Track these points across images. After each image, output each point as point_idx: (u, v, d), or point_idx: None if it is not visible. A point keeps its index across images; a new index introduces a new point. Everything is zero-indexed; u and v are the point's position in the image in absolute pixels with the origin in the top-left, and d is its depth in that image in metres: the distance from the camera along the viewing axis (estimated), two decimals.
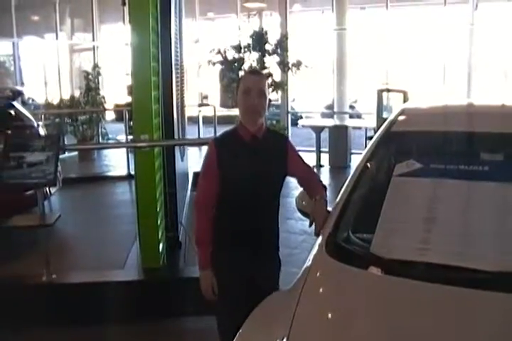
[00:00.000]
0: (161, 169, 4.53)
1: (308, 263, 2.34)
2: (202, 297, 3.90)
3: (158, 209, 4.47)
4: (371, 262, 2.11)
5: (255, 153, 2.69)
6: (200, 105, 14.16)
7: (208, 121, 13.96)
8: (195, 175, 8.31)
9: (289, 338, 1.87)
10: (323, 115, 15.00)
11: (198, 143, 7.34)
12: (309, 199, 2.74)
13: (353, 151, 11.11)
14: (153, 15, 4.25)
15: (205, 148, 10.23)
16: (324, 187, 2.80)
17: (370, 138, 11.79)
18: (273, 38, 10.02)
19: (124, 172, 10.03)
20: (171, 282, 4.43)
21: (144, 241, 4.57)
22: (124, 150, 11.64)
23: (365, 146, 11.63)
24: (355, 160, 11.03)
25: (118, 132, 12.47)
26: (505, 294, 1.86)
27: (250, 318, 2.16)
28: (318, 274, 2.23)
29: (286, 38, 10.26)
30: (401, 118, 2.96)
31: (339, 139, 10.64)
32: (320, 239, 2.44)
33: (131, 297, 4.21)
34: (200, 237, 2.75)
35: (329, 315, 2.02)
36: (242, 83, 2.70)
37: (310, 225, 2.57)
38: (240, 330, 2.11)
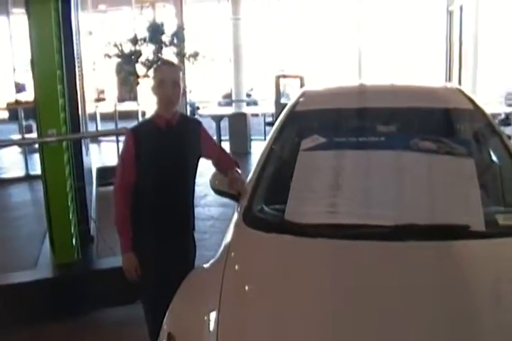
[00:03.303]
0: (68, 163, 4.48)
1: (227, 236, 2.50)
2: (119, 287, 3.95)
3: (69, 204, 4.44)
4: (287, 228, 2.33)
5: (171, 138, 2.81)
6: (98, 100, 13.84)
7: (103, 117, 13.66)
8: (99, 170, 8.22)
9: (220, 311, 1.99)
10: (220, 104, 15.18)
11: (111, 133, 7.20)
12: (223, 177, 2.92)
13: (252, 138, 11.41)
14: (54, 6, 4.18)
15: (104, 144, 10.07)
16: (237, 164, 3.00)
17: (269, 124, 12.16)
18: (170, 29, 10.03)
19: (20, 173, 9.66)
20: (87, 275, 4.41)
21: (57, 236, 4.52)
22: (15, 151, 11.17)
23: (265, 132, 11.98)
24: (256, 147, 11.39)
25: (9, 133, 11.91)
26: (403, 242, 2.19)
27: (178, 295, 2.25)
28: (239, 244, 2.40)
29: (183, 29, 10.30)
30: (303, 99, 3.20)
31: (239, 127, 10.91)
32: (236, 215, 2.62)
33: (47, 295, 4.15)
34: (120, 222, 2.83)
35: (256, 282, 2.16)
36: (157, 74, 2.81)
37: (235, 193, 2.77)
38: (170, 307, 2.19)
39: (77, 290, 4.21)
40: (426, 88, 3.41)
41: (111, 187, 7.13)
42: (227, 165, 2.96)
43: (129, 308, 4.05)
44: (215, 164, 3.04)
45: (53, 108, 4.18)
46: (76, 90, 4.85)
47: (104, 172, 7.96)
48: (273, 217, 2.49)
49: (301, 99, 3.20)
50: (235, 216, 2.62)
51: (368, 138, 2.74)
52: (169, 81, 2.76)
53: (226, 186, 2.85)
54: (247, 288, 2.15)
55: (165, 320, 2.15)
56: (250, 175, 2.84)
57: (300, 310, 1.95)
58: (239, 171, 2.93)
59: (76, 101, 4.88)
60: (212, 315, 2.00)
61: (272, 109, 10.74)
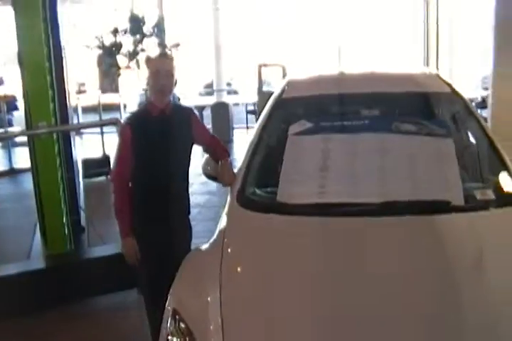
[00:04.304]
0: (59, 155, 4.55)
1: (222, 218, 2.61)
2: (112, 275, 4.02)
3: (60, 195, 4.51)
4: (280, 208, 2.46)
5: (165, 126, 2.92)
6: (79, 92, 13.81)
7: (84, 110, 13.59)
8: (84, 162, 8.25)
9: (222, 290, 2.09)
10: (201, 94, 15.22)
11: (103, 124, 7.24)
12: (215, 163, 3.04)
13: (234, 126, 11.53)
14: None
15: (86, 136, 10.05)
16: (227, 152, 3.13)
17: (250, 112, 12.26)
18: (150, 20, 10.04)
19: (4, 167, 9.62)
20: (81, 264, 4.49)
21: (49, 227, 4.58)
22: None
23: (247, 121, 12.13)
24: (238, 134, 11.48)
25: None
26: (389, 217, 2.35)
27: (179, 275, 2.34)
28: (235, 225, 2.51)
29: (163, 20, 10.33)
30: (289, 87, 3.32)
31: (221, 116, 11.02)
32: (229, 198, 2.74)
33: (42, 285, 4.20)
34: (119, 208, 2.92)
35: (255, 260, 2.27)
36: (152, 65, 2.94)
37: (222, 184, 2.89)
38: (172, 287, 2.27)
39: (70, 279, 4.26)
40: (405, 74, 3.55)
41: (96, 179, 7.23)
42: (218, 152, 3.09)
43: (120, 295, 4.17)
44: (206, 150, 3.16)
45: (43, 100, 4.25)
46: (64, 82, 4.91)
47: (90, 164, 8.01)
48: (266, 199, 2.63)
49: (286, 87, 3.31)
50: (229, 199, 2.74)
51: (353, 121, 2.87)
52: (163, 72, 2.86)
53: (217, 173, 2.97)
54: (246, 265, 2.25)
55: (168, 298, 2.22)
56: (241, 161, 2.96)
57: (298, 287, 2.06)
58: (229, 160, 3.06)
59: (64, 92, 4.94)
60: (215, 295, 2.09)
61: (252, 97, 10.84)
